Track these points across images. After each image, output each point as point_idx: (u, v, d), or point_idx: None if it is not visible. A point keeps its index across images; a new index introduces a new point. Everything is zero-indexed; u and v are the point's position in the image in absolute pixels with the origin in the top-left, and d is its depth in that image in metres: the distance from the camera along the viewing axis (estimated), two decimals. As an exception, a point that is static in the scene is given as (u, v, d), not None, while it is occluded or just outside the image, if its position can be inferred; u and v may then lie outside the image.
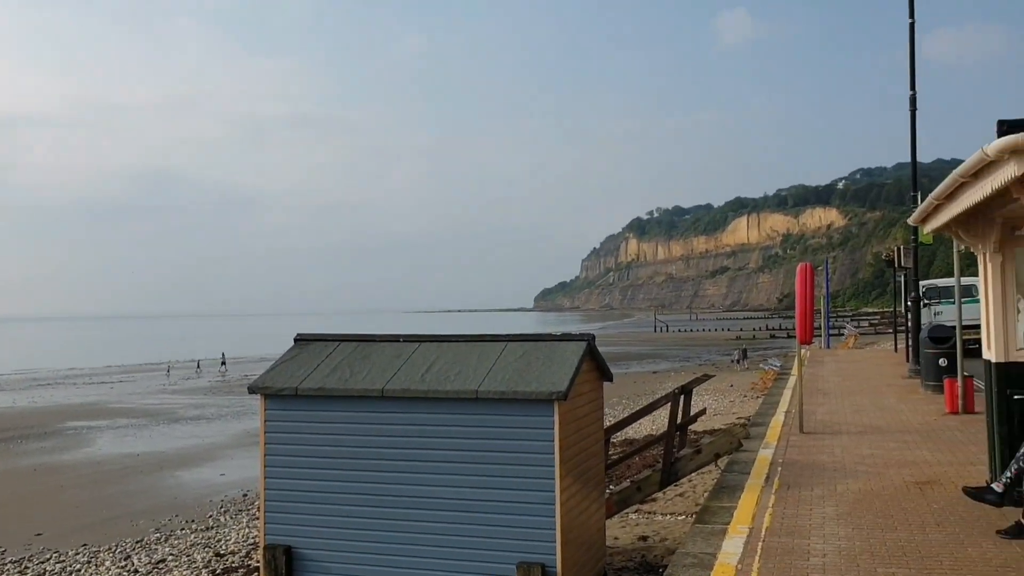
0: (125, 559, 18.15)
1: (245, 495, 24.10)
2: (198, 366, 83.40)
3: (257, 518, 20.94)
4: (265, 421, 12.00)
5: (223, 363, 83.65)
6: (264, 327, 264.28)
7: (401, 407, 11.41)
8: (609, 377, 12.88)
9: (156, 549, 18.84)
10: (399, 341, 12.87)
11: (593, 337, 12.25)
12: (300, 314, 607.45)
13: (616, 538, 15.84)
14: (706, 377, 17.96)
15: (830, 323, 59.91)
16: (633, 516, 17.63)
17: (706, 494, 15.62)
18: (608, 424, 17.78)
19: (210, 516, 21.80)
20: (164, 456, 31.15)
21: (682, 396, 15.91)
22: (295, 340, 13.17)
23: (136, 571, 17.31)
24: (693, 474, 18.57)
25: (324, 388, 11.73)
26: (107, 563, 17.89)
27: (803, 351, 24.19)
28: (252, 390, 12.08)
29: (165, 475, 27.55)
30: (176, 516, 21.91)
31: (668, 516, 17.57)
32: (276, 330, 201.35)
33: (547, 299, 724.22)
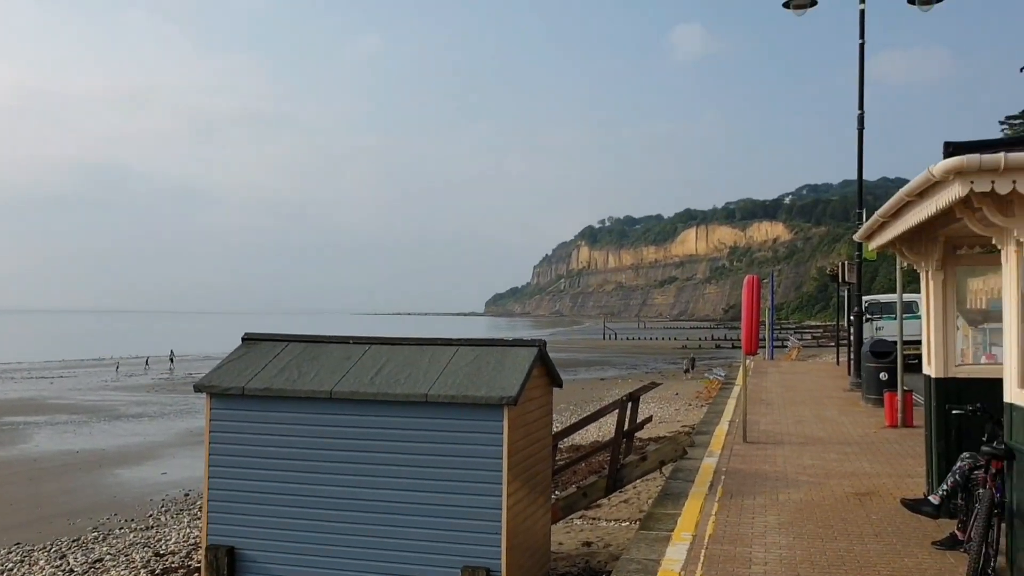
0: (60, 558, 17.92)
1: (187, 495, 23.91)
2: (147, 363, 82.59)
3: (199, 518, 20.80)
4: (210, 420, 11.94)
5: (171, 360, 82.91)
6: (213, 325, 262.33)
7: (350, 409, 11.41)
8: (559, 383, 12.97)
9: (93, 548, 18.62)
10: (349, 343, 12.86)
11: (544, 343, 12.32)
12: (249, 313, 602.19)
13: (560, 543, 15.93)
14: (653, 385, 18.12)
15: (774, 335, 60.31)
16: (578, 522, 17.74)
17: (651, 501, 15.77)
18: (556, 430, 17.89)
19: (150, 515, 21.59)
20: (104, 454, 30.81)
21: (629, 403, 16.03)
22: (243, 339, 13.12)
23: (72, 571, 17.09)
24: (638, 481, 18.71)
25: (271, 388, 11.70)
26: (41, 562, 17.66)
27: (748, 362, 24.51)
28: (198, 388, 12.02)
29: (105, 473, 27.25)
30: (115, 515, 21.67)
31: (613, 522, 17.69)
32: (224, 328, 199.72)
33: (498, 304, 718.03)
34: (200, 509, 21.56)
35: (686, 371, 65.80)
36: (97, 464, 28.78)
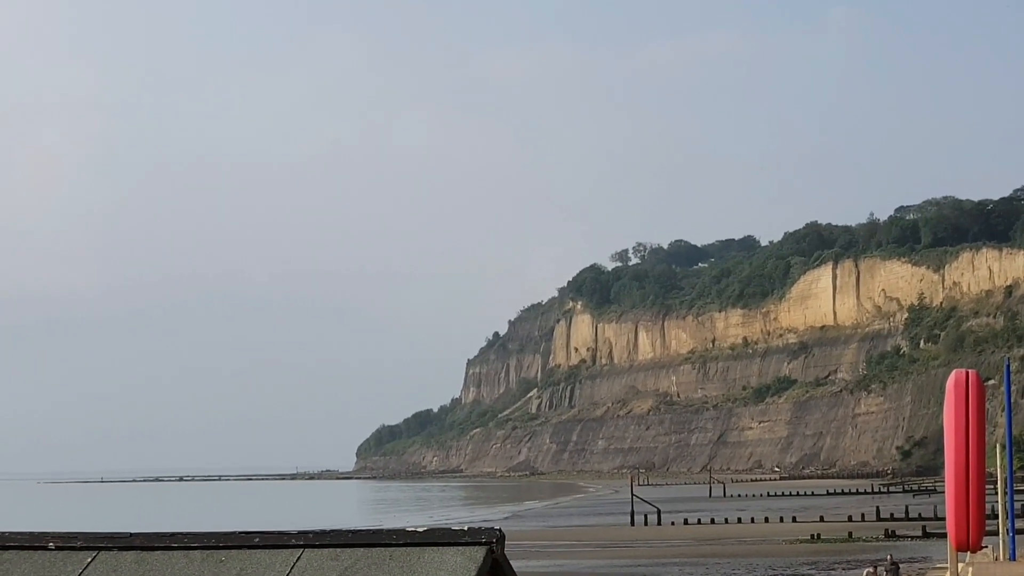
0: None
1: None
2: None
3: None
4: None
5: None
6: None
7: None
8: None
9: None
10: (50, 548, 5.67)
11: (499, 537, 5.31)
12: None
13: None
14: None
15: (1014, 504, 35.34)
16: None
17: None
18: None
19: None
20: None
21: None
22: None
23: None
24: None
25: None
26: None
27: (963, 565, 13.97)
28: None
29: None
30: None
31: None
32: None
33: (387, 452, 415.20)
34: None
35: None
36: None
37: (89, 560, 5.79)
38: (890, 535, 69.99)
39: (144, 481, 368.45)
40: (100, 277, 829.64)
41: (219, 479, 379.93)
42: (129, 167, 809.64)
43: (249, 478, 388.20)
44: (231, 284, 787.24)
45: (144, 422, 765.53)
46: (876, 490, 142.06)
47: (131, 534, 6.02)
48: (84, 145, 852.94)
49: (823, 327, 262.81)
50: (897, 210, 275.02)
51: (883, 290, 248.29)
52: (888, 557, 35.92)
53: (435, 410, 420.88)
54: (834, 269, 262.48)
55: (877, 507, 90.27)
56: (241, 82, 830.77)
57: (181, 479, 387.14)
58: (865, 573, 33.23)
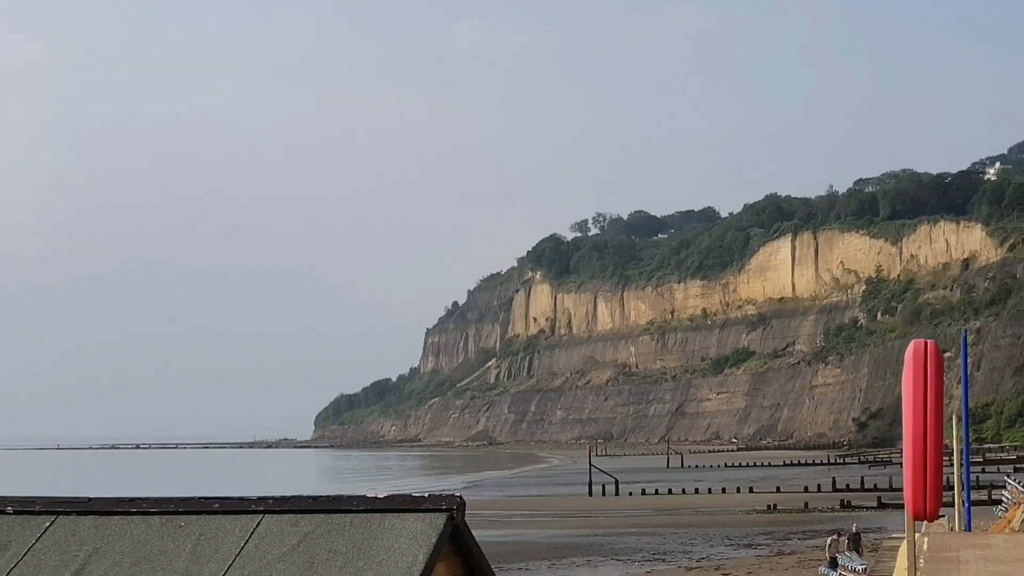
0: None
1: None
2: None
3: None
4: None
5: None
6: None
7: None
8: (496, 597, 5.51)
9: None
10: (8, 512, 5.66)
11: (459, 504, 5.30)
12: None
13: None
14: None
15: (970, 476, 37.07)
16: None
17: None
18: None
19: None
20: None
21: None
22: None
23: None
24: None
25: None
26: None
27: (919, 535, 14.08)
28: None
29: None
30: None
31: None
32: None
33: (345, 422, 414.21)
34: None
35: (833, 558, 34.19)
36: None
37: (47, 524, 5.76)
38: (846, 506, 71.14)
39: (101, 448, 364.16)
40: (49, 241, 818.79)
41: (176, 447, 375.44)
42: (82, 134, 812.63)
43: (206, 446, 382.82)
44: (186, 249, 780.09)
45: (99, 390, 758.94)
46: (832, 461, 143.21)
47: (89, 499, 5.99)
48: (37, 112, 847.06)
49: (782, 299, 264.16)
50: (856, 183, 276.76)
51: (841, 262, 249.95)
52: (853, 527, 36.35)
53: (394, 379, 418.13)
54: (793, 241, 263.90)
55: (833, 478, 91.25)
56: (201, 52, 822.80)
57: (138, 447, 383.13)
58: (829, 541, 33.68)
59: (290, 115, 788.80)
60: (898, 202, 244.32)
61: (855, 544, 34.59)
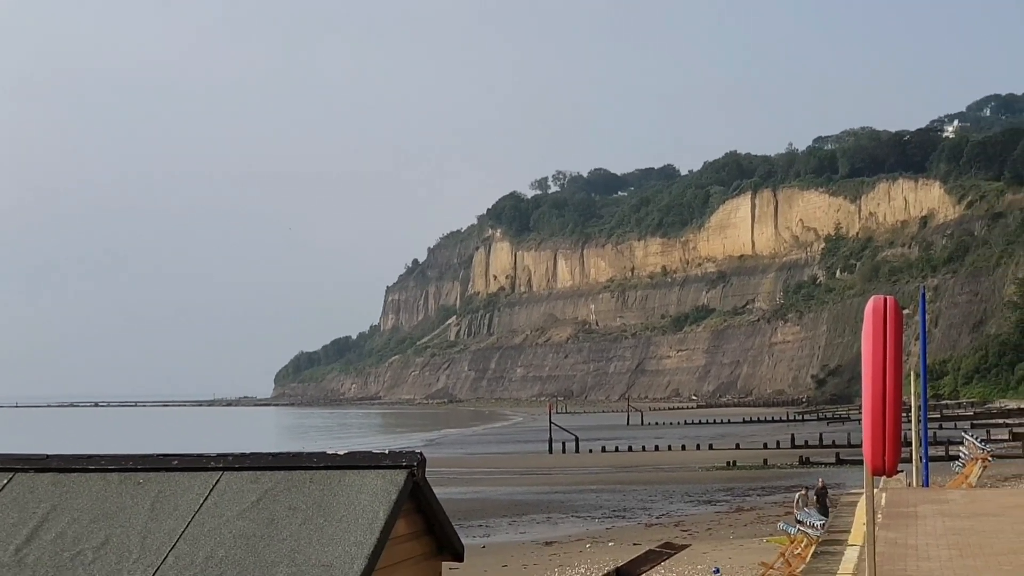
0: None
1: None
2: None
3: None
4: None
5: None
6: None
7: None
8: (455, 551, 5.87)
9: None
10: None
11: (420, 460, 5.30)
12: None
13: None
14: (666, 552, 10.92)
15: (928, 432, 36.38)
16: None
17: None
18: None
19: None
20: None
21: None
22: None
23: None
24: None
25: None
26: None
27: (877, 491, 14.23)
28: None
29: None
30: None
31: None
32: None
33: (305, 380, 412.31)
34: None
35: (800, 511, 29.81)
36: None
37: (5, 482, 5.72)
38: (804, 462, 71.61)
39: (59, 407, 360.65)
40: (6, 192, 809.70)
41: (135, 405, 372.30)
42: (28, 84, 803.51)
43: (166, 404, 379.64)
44: (142, 198, 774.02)
45: (57, 348, 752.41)
46: (791, 418, 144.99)
47: (47, 456, 5.95)
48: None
49: (741, 256, 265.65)
50: (815, 140, 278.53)
51: (801, 220, 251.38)
52: (819, 482, 36.89)
53: (354, 337, 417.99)
54: (753, 199, 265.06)
55: (792, 435, 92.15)
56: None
57: (96, 404, 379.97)
58: (797, 496, 33.99)
59: (242, 70, 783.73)
60: (857, 160, 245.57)
61: (821, 499, 34.98)
